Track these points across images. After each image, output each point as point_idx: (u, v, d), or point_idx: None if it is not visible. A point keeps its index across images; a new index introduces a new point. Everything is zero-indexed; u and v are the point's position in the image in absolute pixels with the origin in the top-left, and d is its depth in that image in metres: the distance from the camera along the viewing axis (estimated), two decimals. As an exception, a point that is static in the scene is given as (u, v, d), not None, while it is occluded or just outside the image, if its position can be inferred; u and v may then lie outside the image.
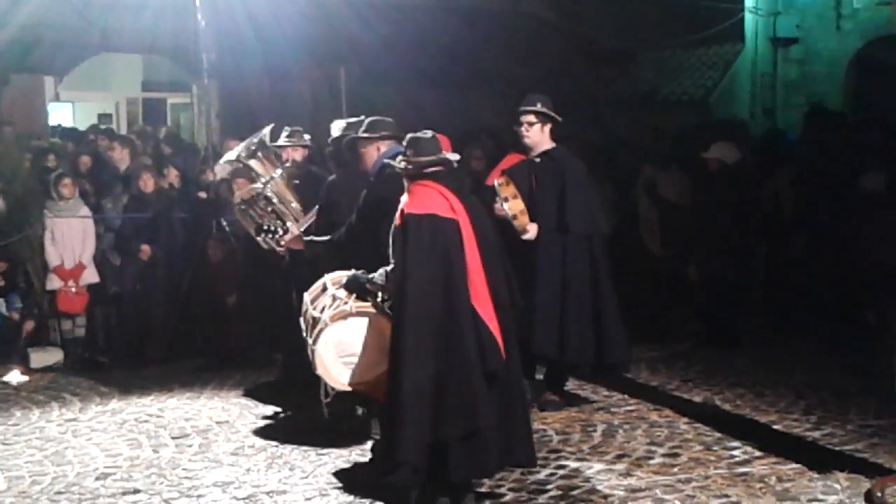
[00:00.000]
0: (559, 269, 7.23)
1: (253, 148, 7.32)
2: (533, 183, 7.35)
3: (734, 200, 9.43)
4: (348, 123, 7.17)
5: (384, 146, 6.61)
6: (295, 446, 6.91)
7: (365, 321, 5.94)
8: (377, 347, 5.81)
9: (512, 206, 7.05)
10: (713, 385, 8.26)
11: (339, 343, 6.01)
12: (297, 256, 7.44)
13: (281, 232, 7.02)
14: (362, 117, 6.91)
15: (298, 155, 8.24)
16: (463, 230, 5.42)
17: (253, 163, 7.32)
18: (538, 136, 7.34)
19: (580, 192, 7.30)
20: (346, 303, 5.99)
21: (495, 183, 7.13)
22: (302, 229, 7.04)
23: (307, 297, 6.34)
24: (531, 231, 7.16)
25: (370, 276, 5.86)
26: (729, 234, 9.43)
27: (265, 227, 7.15)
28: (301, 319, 6.39)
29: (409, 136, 5.75)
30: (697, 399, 7.88)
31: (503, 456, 5.51)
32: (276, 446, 6.97)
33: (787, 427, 7.09)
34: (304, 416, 7.48)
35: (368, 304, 5.94)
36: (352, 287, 5.98)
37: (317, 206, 7.08)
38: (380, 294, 5.88)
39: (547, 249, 7.22)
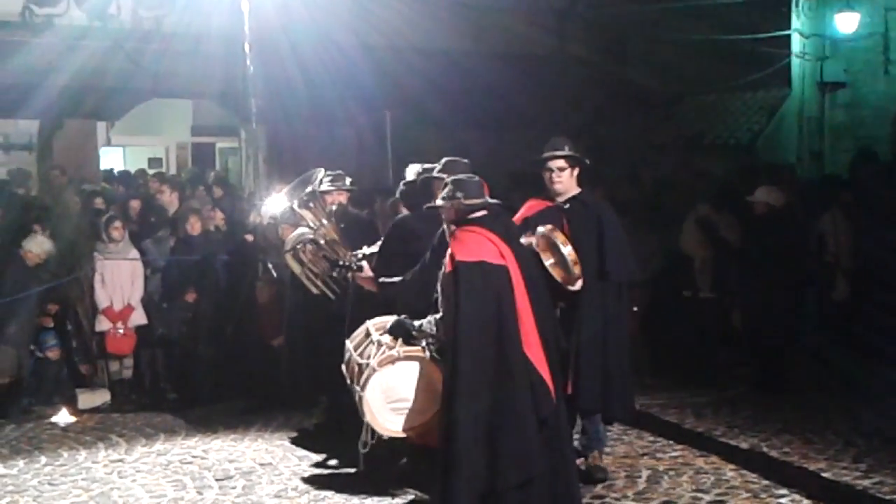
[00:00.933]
0: (601, 319, 6.79)
1: (305, 198, 7.37)
2: (565, 230, 6.78)
3: (781, 244, 9.35)
4: (424, 168, 7.22)
5: None
6: (337, 490, 6.90)
7: (414, 366, 5.93)
8: (426, 393, 5.78)
9: (572, 251, 6.40)
10: (760, 431, 8.14)
11: (388, 389, 6.00)
12: (348, 299, 7.48)
13: (355, 267, 7.03)
14: (439, 163, 6.97)
15: (343, 198, 8.35)
16: (513, 276, 5.38)
17: (305, 213, 7.38)
18: (569, 182, 6.93)
19: (617, 237, 6.92)
20: (392, 348, 5.99)
21: (541, 231, 6.47)
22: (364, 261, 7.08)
23: (349, 343, 6.34)
24: (581, 282, 6.48)
25: (417, 322, 5.84)
26: (775, 278, 9.33)
27: (340, 262, 7.14)
28: (344, 367, 6.39)
29: (452, 178, 5.73)
30: (744, 446, 7.77)
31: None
32: (319, 489, 6.97)
33: (837, 475, 6.97)
34: (347, 459, 7.48)
35: (417, 348, 5.93)
36: (397, 332, 5.97)
37: (380, 243, 7.13)
38: (425, 340, 5.86)
39: (590, 299, 6.69)
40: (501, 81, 16.29)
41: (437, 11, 15.66)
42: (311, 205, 7.32)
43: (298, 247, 7.61)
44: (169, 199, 11.58)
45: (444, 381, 5.43)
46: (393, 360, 5.95)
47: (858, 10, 17.28)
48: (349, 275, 7.08)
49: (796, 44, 18.40)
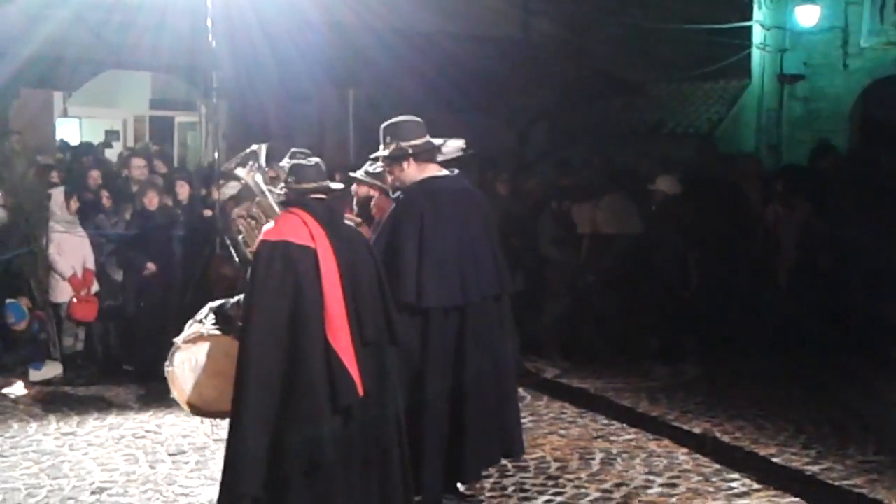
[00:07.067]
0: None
1: (255, 169, 7.29)
2: None
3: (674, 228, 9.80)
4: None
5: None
6: (292, 466, 6.87)
7: (217, 345, 5.79)
8: (227, 375, 5.59)
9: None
10: (713, 416, 8.22)
11: (194, 367, 5.89)
12: None
13: None
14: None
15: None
16: (321, 259, 5.11)
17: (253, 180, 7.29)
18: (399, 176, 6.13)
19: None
20: (203, 325, 5.92)
21: None
22: None
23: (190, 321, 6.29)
24: None
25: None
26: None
27: None
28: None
29: (291, 163, 5.48)
30: (697, 430, 7.85)
31: (366, 500, 5.20)
32: (274, 465, 6.94)
33: (787, 460, 7.06)
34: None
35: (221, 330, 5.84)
36: (218, 314, 5.85)
37: None
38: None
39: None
40: (473, 63, 16.31)
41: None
42: (259, 177, 7.27)
43: (243, 216, 7.52)
44: (140, 173, 11.44)
45: (237, 366, 5.15)
46: (197, 339, 5.81)
47: (819, 3, 17.45)
48: None
49: (757, 35, 18.56)
